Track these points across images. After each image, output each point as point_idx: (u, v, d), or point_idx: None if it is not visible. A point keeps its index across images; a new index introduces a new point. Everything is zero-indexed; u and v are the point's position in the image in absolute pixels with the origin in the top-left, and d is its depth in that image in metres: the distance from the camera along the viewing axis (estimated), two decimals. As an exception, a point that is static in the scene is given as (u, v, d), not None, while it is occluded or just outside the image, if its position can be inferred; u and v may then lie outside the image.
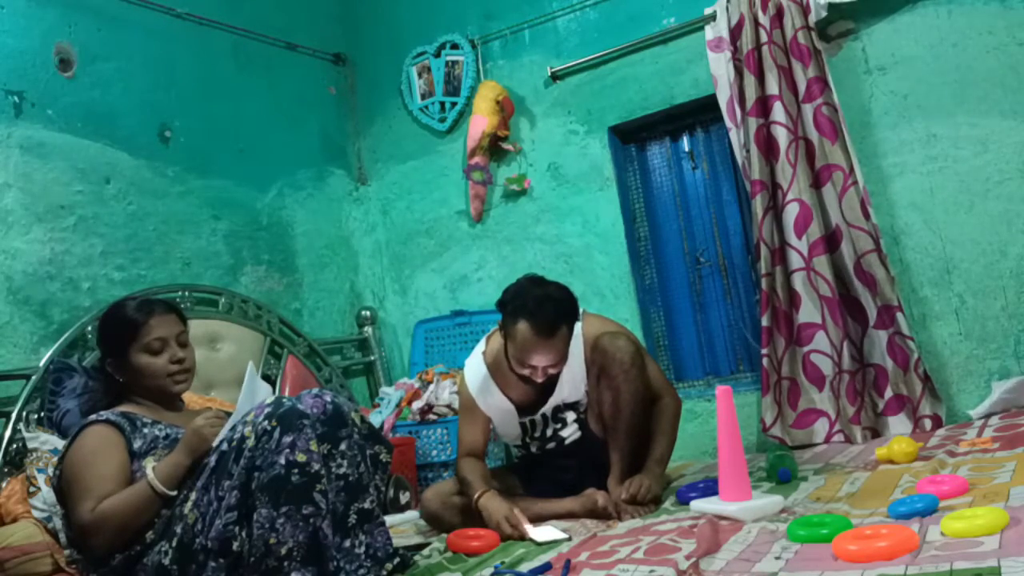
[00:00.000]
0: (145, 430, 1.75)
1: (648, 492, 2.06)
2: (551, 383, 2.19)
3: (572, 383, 2.22)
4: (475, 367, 2.28)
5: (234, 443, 1.58)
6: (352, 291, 3.64)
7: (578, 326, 2.20)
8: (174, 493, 1.63)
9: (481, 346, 2.32)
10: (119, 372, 1.83)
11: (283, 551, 1.51)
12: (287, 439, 1.56)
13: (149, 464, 1.66)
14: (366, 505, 1.68)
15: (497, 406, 2.25)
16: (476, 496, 2.06)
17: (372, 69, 3.77)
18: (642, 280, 3.25)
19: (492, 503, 2.02)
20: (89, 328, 2.46)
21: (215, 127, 3.12)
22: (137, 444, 1.72)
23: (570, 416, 2.24)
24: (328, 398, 1.71)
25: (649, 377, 2.19)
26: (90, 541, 1.62)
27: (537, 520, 2.02)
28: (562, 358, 2.10)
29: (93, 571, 1.69)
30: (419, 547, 1.99)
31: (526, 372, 2.09)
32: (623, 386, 2.11)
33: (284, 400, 1.63)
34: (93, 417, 1.74)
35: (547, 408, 2.23)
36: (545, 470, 2.28)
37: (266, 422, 1.57)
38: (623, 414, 2.11)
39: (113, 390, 1.85)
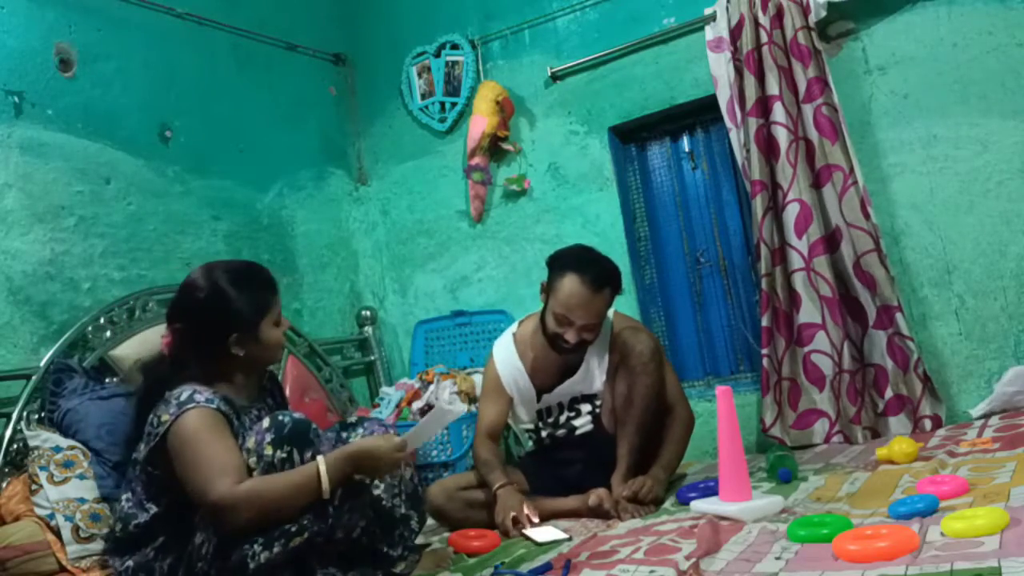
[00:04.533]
0: (243, 419, 1.70)
1: (650, 492, 2.07)
2: (572, 369, 2.25)
3: (593, 374, 2.27)
4: (505, 345, 2.36)
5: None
6: (352, 291, 3.64)
7: (609, 314, 2.26)
8: (327, 496, 1.53)
9: (513, 328, 2.40)
10: (242, 346, 1.72)
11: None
12: (307, 454, 1.58)
13: (320, 461, 1.55)
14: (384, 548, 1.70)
15: (521, 385, 2.30)
16: (496, 486, 2.10)
17: (372, 69, 3.77)
18: (642, 280, 3.25)
19: (507, 497, 2.06)
20: (90, 328, 2.46)
21: (215, 127, 3.11)
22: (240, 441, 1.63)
23: (585, 408, 2.30)
24: (388, 428, 1.80)
25: (666, 380, 2.23)
26: (229, 518, 1.49)
27: (540, 518, 2.04)
28: (599, 322, 2.16)
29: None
30: (420, 547, 1.99)
31: (562, 331, 2.14)
32: (640, 378, 2.14)
33: (284, 420, 1.60)
34: (200, 399, 1.61)
35: (565, 395, 2.28)
36: (550, 464, 2.31)
37: (279, 451, 1.56)
38: (636, 406, 2.14)
39: (212, 373, 1.73)
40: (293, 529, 1.52)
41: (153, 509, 1.65)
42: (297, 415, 1.62)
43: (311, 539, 1.54)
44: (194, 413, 1.59)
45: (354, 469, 1.58)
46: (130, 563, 1.67)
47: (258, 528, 1.50)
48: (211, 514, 1.52)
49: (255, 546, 1.50)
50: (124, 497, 1.71)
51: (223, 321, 1.73)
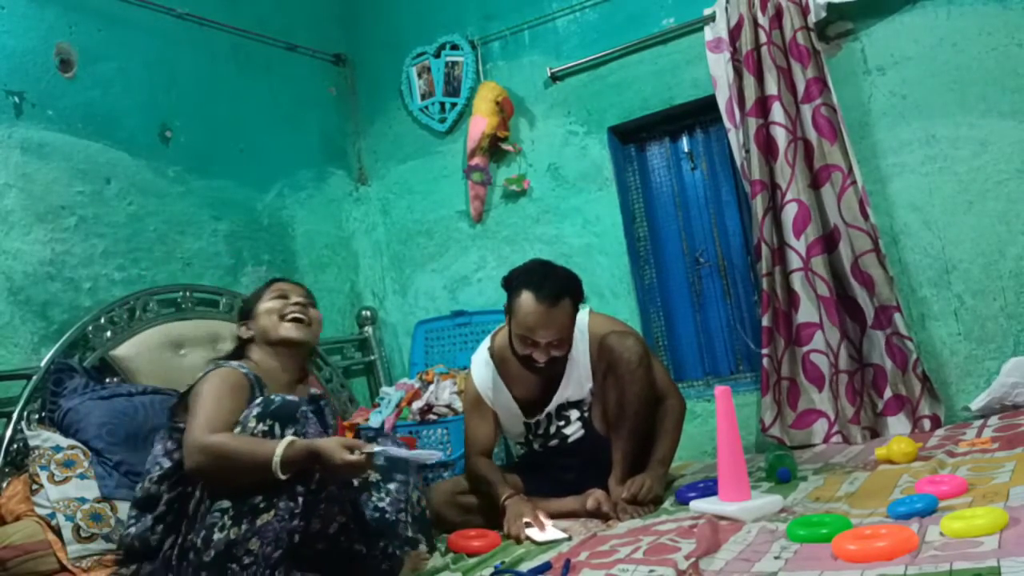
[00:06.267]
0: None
1: (649, 492, 2.06)
2: (555, 379, 2.20)
3: (577, 381, 2.23)
4: (481, 362, 2.30)
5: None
6: (352, 291, 3.65)
7: (583, 322, 2.23)
8: (283, 478, 1.57)
9: (487, 342, 2.34)
10: (248, 326, 2.00)
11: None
12: (289, 431, 1.65)
13: (286, 439, 1.61)
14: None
15: (503, 402, 2.26)
16: (503, 498, 2.07)
17: (372, 69, 3.78)
18: (642, 280, 3.26)
19: (516, 506, 2.04)
20: (90, 328, 2.46)
21: (215, 127, 3.12)
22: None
23: (573, 414, 2.26)
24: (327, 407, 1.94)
25: (655, 378, 2.20)
26: (194, 460, 1.64)
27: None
28: (566, 335, 2.11)
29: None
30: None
31: (529, 352, 2.09)
32: (629, 386, 2.11)
33: (274, 399, 1.70)
34: (235, 364, 1.85)
35: (551, 406, 2.24)
36: (547, 469, 2.29)
37: (261, 424, 1.64)
38: (627, 414, 2.12)
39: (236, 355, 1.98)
40: (261, 505, 1.57)
41: (167, 464, 1.78)
42: (291, 397, 1.72)
43: (289, 529, 1.58)
44: (221, 370, 1.81)
45: (311, 463, 1.61)
46: (131, 530, 1.76)
47: (219, 481, 1.62)
48: (185, 455, 1.67)
49: (225, 517, 1.58)
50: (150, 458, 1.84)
51: (240, 314, 2.11)
